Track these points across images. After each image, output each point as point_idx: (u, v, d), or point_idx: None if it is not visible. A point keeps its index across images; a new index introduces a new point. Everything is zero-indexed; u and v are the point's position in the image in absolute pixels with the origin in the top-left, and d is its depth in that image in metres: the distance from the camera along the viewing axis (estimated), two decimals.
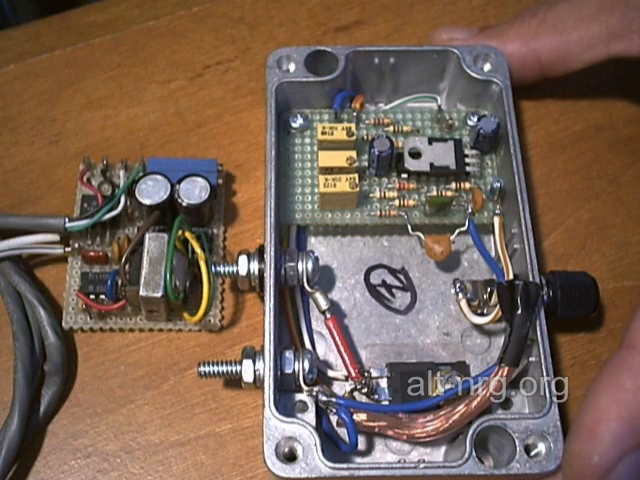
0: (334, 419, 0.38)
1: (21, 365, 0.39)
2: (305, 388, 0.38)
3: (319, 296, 0.41)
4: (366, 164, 0.44)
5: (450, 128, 0.45)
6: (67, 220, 0.42)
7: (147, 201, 0.42)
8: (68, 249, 0.43)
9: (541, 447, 0.37)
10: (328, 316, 0.41)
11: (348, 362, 0.40)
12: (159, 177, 0.42)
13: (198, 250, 0.41)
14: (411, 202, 0.43)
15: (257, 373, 0.37)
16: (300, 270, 0.40)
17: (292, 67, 0.45)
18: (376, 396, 0.40)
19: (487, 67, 0.46)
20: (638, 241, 0.45)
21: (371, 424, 0.38)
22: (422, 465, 0.36)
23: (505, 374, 0.37)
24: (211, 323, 0.42)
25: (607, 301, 0.43)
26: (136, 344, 0.42)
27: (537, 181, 0.47)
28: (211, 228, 0.44)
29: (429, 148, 0.43)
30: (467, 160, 0.43)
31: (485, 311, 0.41)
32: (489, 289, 0.40)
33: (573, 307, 0.40)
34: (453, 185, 0.43)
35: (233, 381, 0.40)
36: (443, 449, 0.39)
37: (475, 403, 0.37)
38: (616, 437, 0.32)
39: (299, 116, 0.45)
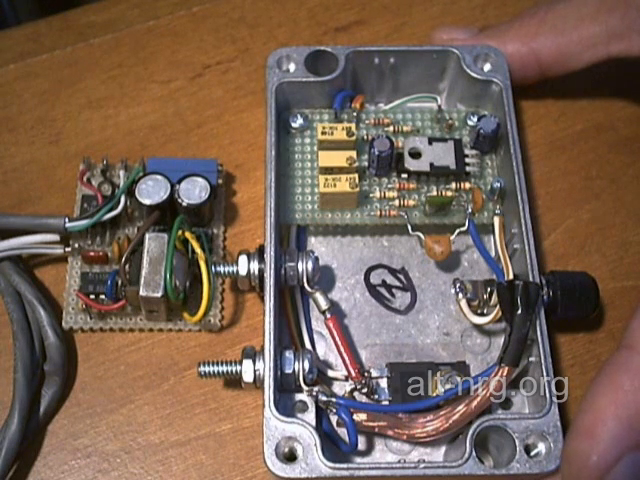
0: (334, 419, 0.38)
1: (21, 365, 0.39)
2: (305, 388, 0.38)
3: (319, 296, 0.41)
4: (366, 164, 0.44)
5: (450, 128, 0.45)
6: (67, 220, 0.42)
7: (147, 201, 0.42)
8: (68, 249, 0.43)
9: (541, 447, 0.37)
10: (328, 316, 0.41)
11: (348, 362, 0.40)
12: (159, 177, 0.42)
13: (198, 250, 0.41)
14: (411, 202, 0.43)
15: (257, 373, 0.37)
16: (300, 270, 0.40)
17: (292, 67, 0.45)
18: (376, 396, 0.40)
19: (487, 67, 0.46)
20: (638, 241, 0.45)
21: (371, 424, 0.38)
22: (422, 465, 0.36)
23: (505, 374, 0.37)
24: (211, 323, 0.42)
25: (607, 301, 0.43)
26: (136, 344, 0.42)
27: (537, 181, 0.47)
28: (211, 228, 0.44)
29: (429, 148, 0.43)
30: (467, 160, 0.43)
31: (485, 311, 0.41)
32: (489, 289, 0.40)
33: (573, 307, 0.40)
34: (453, 185, 0.43)
35: (233, 381, 0.40)
36: (443, 449, 0.39)
37: (475, 403, 0.37)
38: (614, 437, 0.32)
39: (299, 116, 0.45)
